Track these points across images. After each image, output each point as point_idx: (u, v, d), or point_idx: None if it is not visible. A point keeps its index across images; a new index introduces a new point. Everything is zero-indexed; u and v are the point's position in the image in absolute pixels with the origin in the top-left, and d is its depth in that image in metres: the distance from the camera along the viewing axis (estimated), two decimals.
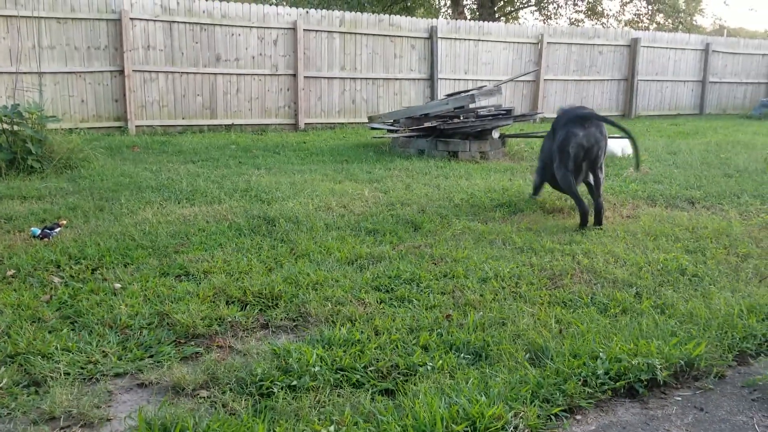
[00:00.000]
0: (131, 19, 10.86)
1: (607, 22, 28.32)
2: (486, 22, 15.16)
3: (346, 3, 22.38)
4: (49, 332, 2.75)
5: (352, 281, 3.48)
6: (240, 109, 12.15)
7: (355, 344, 2.64)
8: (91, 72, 10.67)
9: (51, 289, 3.30)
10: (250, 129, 12.17)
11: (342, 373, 2.42)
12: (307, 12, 12.81)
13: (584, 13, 27.74)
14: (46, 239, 4.16)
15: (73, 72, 10.53)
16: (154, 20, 11.12)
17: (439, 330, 2.81)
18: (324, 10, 13.11)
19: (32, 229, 4.35)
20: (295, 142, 10.36)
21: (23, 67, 10.10)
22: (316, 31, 12.67)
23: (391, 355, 2.56)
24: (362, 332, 2.76)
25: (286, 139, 10.93)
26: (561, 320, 2.96)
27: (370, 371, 2.43)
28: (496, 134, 8.80)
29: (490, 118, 8.69)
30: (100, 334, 2.76)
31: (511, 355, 2.57)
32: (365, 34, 13.21)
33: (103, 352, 2.59)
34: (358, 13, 13.49)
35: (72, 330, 2.80)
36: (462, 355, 2.58)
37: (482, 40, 14.57)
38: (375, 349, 2.60)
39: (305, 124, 12.73)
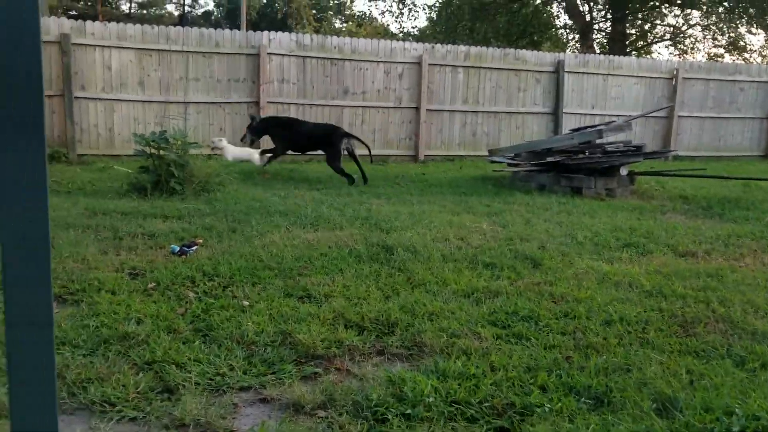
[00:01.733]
0: (268, 53, 11.53)
1: (750, 57, 26.75)
2: (616, 56, 14.78)
3: (471, 38, 22.60)
4: (183, 343, 2.94)
5: (468, 314, 3.47)
6: (363, 140, 12.49)
7: (470, 378, 2.63)
8: (230, 102, 11.39)
9: (186, 302, 3.53)
10: (372, 159, 12.46)
11: (456, 406, 2.42)
12: (433, 47, 13.04)
13: (724, 48, 26.37)
14: (183, 256, 4.47)
15: (214, 102, 11.29)
16: (289, 55, 11.74)
17: (558, 371, 2.74)
18: (450, 45, 13.31)
19: (172, 246, 4.68)
20: (414, 174, 10.50)
21: (171, 97, 10.96)
22: (441, 65, 12.87)
23: (507, 392, 2.52)
24: (478, 366, 2.74)
25: (405, 170, 11.11)
26: (692, 371, 2.80)
27: (485, 407, 2.41)
28: (624, 171, 8.50)
29: (618, 154, 8.42)
30: (228, 348, 2.91)
31: (635, 404, 2.46)
32: (489, 68, 13.26)
33: (230, 365, 2.74)
34: (484, 48, 13.58)
35: (203, 342, 2.98)
36: (582, 399, 2.50)
37: (612, 74, 14.19)
38: (490, 384, 2.58)
39: (425, 155, 12.89)
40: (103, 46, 10.61)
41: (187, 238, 5.04)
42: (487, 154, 11.26)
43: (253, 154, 10.62)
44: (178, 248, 4.59)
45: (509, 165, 9.75)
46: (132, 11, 40.33)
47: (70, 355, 2.77)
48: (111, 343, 2.91)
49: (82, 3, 36.74)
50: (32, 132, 0.81)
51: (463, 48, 13.31)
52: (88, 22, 10.89)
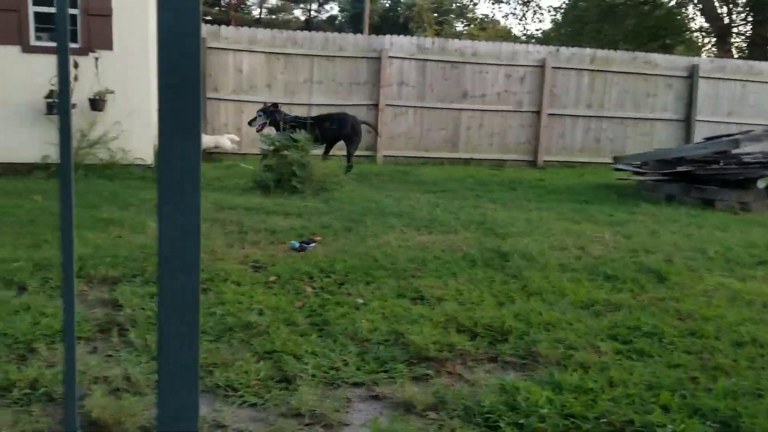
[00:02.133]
0: (389, 57, 11.70)
1: None
2: (757, 62, 13.81)
3: (597, 41, 21.86)
4: (301, 336, 3.05)
5: (587, 327, 3.36)
6: (480, 143, 12.41)
7: (587, 392, 2.55)
8: (350, 105, 11.65)
9: (304, 297, 3.66)
10: (488, 163, 12.35)
11: (571, 419, 2.35)
12: (557, 50, 12.74)
13: None
14: (302, 252, 4.63)
15: (336, 104, 11.59)
16: (410, 58, 11.86)
17: (681, 391, 2.60)
18: (575, 48, 12.94)
19: (291, 242, 4.86)
20: (532, 179, 10.30)
21: (295, 99, 11.37)
22: (565, 68, 12.53)
23: (626, 409, 2.43)
24: (596, 381, 2.66)
25: (523, 175, 10.91)
26: None
27: (602, 423, 2.33)
28: (761, 184, 7.92)
29: (756, 165, 7.86)
30: (343, 343, 2.99)
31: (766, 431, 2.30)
32: (616, 71, 12.76)
33: (344, 360, 2.81)
34: (611, 51, 13.11)
35: (319, 336, 3.07)
36: (708, 422, 2.36)
37: (751, 81, 13.26)
38: (608, 400, 2.49)
39: (544, 161, 12.60)
40: (236, 50, 11.18)
41: (306, 235, 5.21)
42: (610, 161, 10.85)
43: (220, 140, 10.71)
44: (297, 244, 4.76)
45: (635, 173, 9.34)
46: (262, 16, 42.19)
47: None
48: (235, 331, 3.07)
49: (216, 9, 38.86)
50: (191, 128, 0.88)
51: (588, 51, 12.90)
52: (223, 27, 11.52)
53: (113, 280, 3.79)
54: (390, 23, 36.21)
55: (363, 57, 11.66)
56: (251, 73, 11.31)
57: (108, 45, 8.45)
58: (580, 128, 12.82)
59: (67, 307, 0.96)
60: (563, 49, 12.84)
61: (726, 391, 2.60)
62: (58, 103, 0.83)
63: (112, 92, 8.39)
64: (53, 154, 8.36)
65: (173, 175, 0.87)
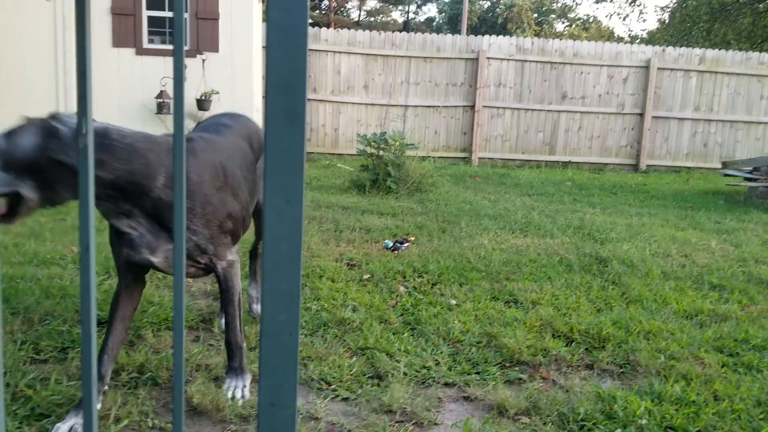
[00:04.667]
0: (487, 58, 11.59)
1: None
2: None
3: (708, 41, 20.78)
4: (393, 334, 3.08)
5: (690, 337, 3.21)
6: (579, 146, 12.08)
7: (689, 405, 2.44)
8: (447, 106, 11.65)
9: (397, 295, 3.69)
10: (587, 167, 12.02)
11: None
12: (664, 50, 12.21)
13: None
14: (396, 251, 4.67)
15: (432, 106, 11.62)
16: (508, 59, 11.71)
17: None
18: (682, 48, 12.36)
19: (386, 241, 4.91)
20: (634, 183, 9.93)
21: (392, 100, 11.49)
22: (671, 69, 12.01)
23: (731, 424, 2.30)
24: (699, 394, 2.54)
25: (624, 179, 10.54)
26: None
27: None
28: None
29: None
30: (435, 343, 2.99)
31: None
32: (727, 73, 12.10)
33: (436, 360, 2.81)
34: (722, 51, 12.42)
35: (411, 335, 3.09)
36: None
37: None
38: (712, 414, 2.37)
39: (647, 165, 12.12)
40: (335, 52, 11.41)
41: (399, 234, 5.25)
42: (719, 166, 10.30)
43: None
44: (391, 244, 4.81)
45: (746, 179, 8.83)
46: (360, 19, 42.84)
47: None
48: (329, 326, 3.14)
49: (317, 12, 39.80)
50: (297, 125, 0.92)
51: (697, 51, 12.29)
52: (323, 29, 11.78)
53: None
54: (488, 24, 35.87)
55: (460, 58, 11.62)
56: (349, 74, 11.51)
57: (214, 47, 8.85)
58: (687, 132, 12.24)
59: (177, 295, 1.02)
60: (670, 49, 12.29)
61: None
62: (174, 99, 0.89)
63: (217, 93, 8.76)
64: None
65: (279, 169, 0.91)
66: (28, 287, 3.37)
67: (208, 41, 8.81)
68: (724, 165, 9.80)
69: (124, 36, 8.65)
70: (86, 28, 0.91)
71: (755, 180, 8.55)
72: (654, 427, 2.26)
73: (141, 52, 8.74)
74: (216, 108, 8.74)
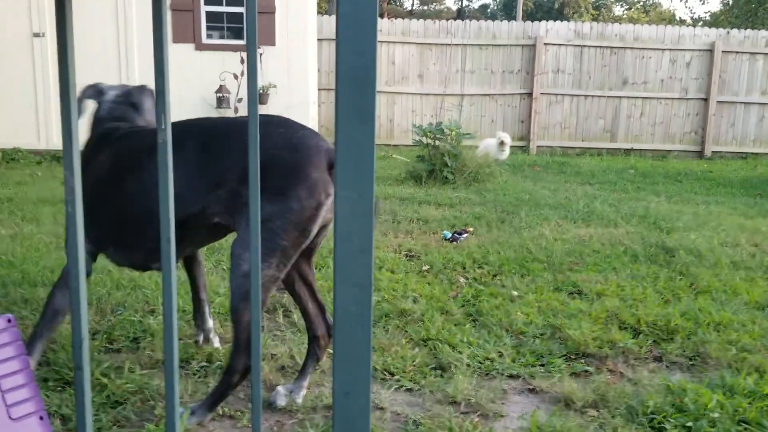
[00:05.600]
0: (545, 44, 11.38)
1: None
2: None
3: None
4: (455, 325, 3.07)
5: (762, 329, 3.10)
6: (641, 133, 11.76)
7: (763, 398, 2.35)
8: (503, 94, 11.50)
9: (457, 287, 3.68)
10: (650, 154, 11.69)
11: (745, 425, 2.18)
12: (728, 32, 11.75)
13: None
14: (454, 242, 4.64)
15: (488, 94, 11.49)
16: (566, 45, 11.47)
17: None
18: (748, 30, 11.88)
19: (444, 232, 4.89)
20: (699, 171, 9.61)
21: (447, 89, 11.41)
22: (737, 52, 11.54)
23: None
24: None
25: (689, 166, 10.21)
26: None
27: None
28: None
29: None
30: (497, 335, 2.97)
31: None
32: None
33: (499, 352, 2.79)
34: None
35: (473, 327, 3.08)
36: None
37: None
38: None
39: (712, 152, 11.71)
40: (389, 42, 11.39)
41: (458, 225, 5.22)
42: None
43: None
44: (450, 234, 4.79)
45: None
46: (414, 8, 42.66)
47: None
48: (391, 317, 3.15)
49: None
50: (367, 120, 0.92)
51: (764, 33, 11.78)
52: (378, 20, 11.78)
53: None
54: (544, 10, 35.20)
55: (517, 45, 11.44)
56: (403, 64, 11.48)
57: (271, 41, 8.96)
58: (754, 116, 11.76)
59: (254, 289, 1.03)
60: (734, 31, 11.82)
61: None
62: (248, 93, 0.90)
63: (274, 86, 8.88)
64: None
65: (350, 163, 0.92)
66: (100, 279, 3.49)
67: (264, 35, 8.92)
68: None
69: (183, 32, 8.84)
70: (163, 25, 0.93)
71: None
72: (726, 420, 2.19)
73: (200, 47, 8.92)
74: (274, 101, 8.85)
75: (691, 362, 2.78)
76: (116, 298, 3.24)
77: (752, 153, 11.74)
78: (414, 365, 2.64)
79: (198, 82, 8.82)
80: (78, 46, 8.35)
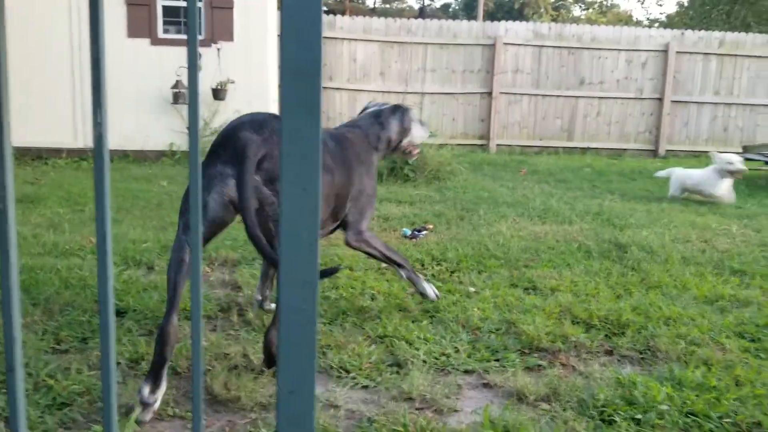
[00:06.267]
0: (504, 44, 11.50)
1: None
2: None
3: (728, 23, 20.44)
4: (412, 321, 3.08)
5: (711, 323, 3.18)
6: (598, 132, 11.97)
7: (710, 390, 2.42)
8: (464, 93, 11.58)
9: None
10: (606, 153, 11.91)
11: (692, 418, 2.24)
12: (683, 33, 12.04)
13: None
14: (414, 239, 4.66)
15: (449, 93, 11.56)
16: (525, 45, 11.60)
17: None
18: (702, 31, 12.19)
19: (403, 229, 4.90)
20: (653, 169, 9.82)
21: (409, 88, 11.44)
22: (691, 53, 11.83)
23: (753, 410, 2.28)
24: (720, 379, 2.51)
25: (643, 165, 10.43)
26: None
27: (726, 423, 2.21)
28: None
29: None
30: (454, 331, 2.99)
31: None
32: (748, 56, 11.90)
33: (455, 347, 2.81)
34: (742, 34, 12.23)
35: (430, 323, 3.09)
36: None
37: None
38: (734, 400, 2.35)
39: (666, 150, 11.98)
40: (351, 39, 11.37)
41: (418, 222, 5.24)
42: (740, 150, 10.16)
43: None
44: (409, 232, 4.80)
45: (767, 163, 8.70)
46: (376, 6, 42.65)
47: None
48: (348, 314, 3.14)
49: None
50: (313, 113, 0.91)
51: (717, 34, 12.10)
52: (338, 17, 11.75)
53: (233, 263, 3.99)
54: (505, 10, 35.53)
55: (477, 44, 11.53)
56: (365, 62, 11.47)
57: (229, 37, 8.86)
58: (707, 116, 12.07)
59: (195, 285, 1.02)
60: (689, 32, 12.11)
61: None
62: (188, 89, 0.89)
63: (232, 82, 8.78)
64: (178, 142, 8.87)
65: (295, 157, 0.91)
66: (48, 278, 3.41)
67: (222, 30, 8.82)
68: (745, 149, 9.66)
69: (139, 26, 8.68)
70: (100, 19, 0.91)
71: None
72: (675, 412, 2.25)
73: (156, 42, 8.77)
74: (232, 98, 8.76)
75: (641, 356, 2.84)
76: (65, 297, 3.16)
77: (704, 151, 12.03)
78: (370, 362, 2.63)
79: (154, 78, 8.67)
80: (30, 44, 8.13)
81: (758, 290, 3.71)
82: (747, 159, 9.34)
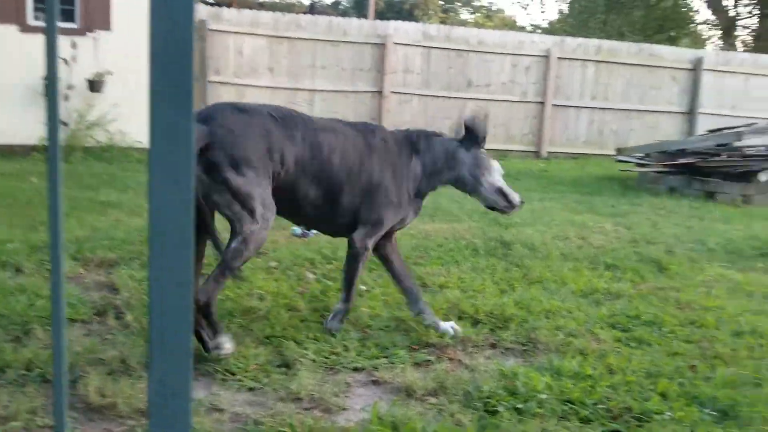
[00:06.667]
0: (395, 43, 11.62)
1: None
2: (762, 55, 13.71)
3: (604, 32, 21.73)
4: (302, 321, 3.05)
5: (587, 315, 3.36)
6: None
7: (585, 378, 2.55)
8: (355, 92, 11.60)
9: (305, 283, 3.65)
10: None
11: (570, 405, 2.35)
12: (563, 40, 12.66)
13: None
14: (304, 238, 4.61)
15: (340, 90, 11.54)
16: (415, 45, 11.78)
17: (680, 379, 2.60)
18: (581, 39, 12.87)
19: (293, 228, 4.83)
20: (536, 170, 10.27)
21: (299, 84, 11.33)
22: (570, 59, 12.44)
23: (624, 396, 2.42)
24: (594, 368, 2.65)
25: (527, 166, 10.88)
26: None
27: (600, 409, 2.33)
28: (763, 177, 7.89)
29: (759, 158, 7.82)
30: (344, 329, 2.98)
31: (765, 420, 2.29)
32: (622, 63, 12.67)
33: (345, 346, 2.80)
34: (617, 42, 13.03)
35: (320, 322, 3.07)
36: (706, 410, 2.36)
37: (756, 74, 13.15)
38: (607, 387, 2.48)
39: (548, 152, 12.55)
40: (237, 33, 11.09)
41: None
42: (614, 153, 10.82)
43: None
44: (299, 231, 4.74)
45: (638, 165, 9.31)
46: (265, 0, 41.96)
47: None
48: (234, 316, 3.06)
49: None
50: (184, 97, 0.86)
51: (594, 42, 12.82)
52: (224, 9, 11.45)
53: (111, 263, 3.78)
54: (395, 9, 35.99)
55: (367, 43, 11.58)
56: (253, 56, 11.24)
57: (106, 26, 8.42)
58: (585, 120, 12.75)
59: (55, 287, 0.94)
60: (569, 39, 12.76)
61: (725, 380, 2.59)
62: (47, 81, 0.81)
63: (110, 73, 8.36)
64: None
65: (165, 146, 0.86)
66: None
67: (99, 19, 8.36)
68: (618, 152, 10.30)
69: (6, 11, 8.07)
70: None
71: (646, 166, 9.03)
72: (553, 401, 2.35)
73: (26, 29, 8.19)
74: (110, 90, 8.32)
75: (523, 348, 2.95)
76: None
77: (582, 154, 12.70)
78: (257, 364, 2.58)
79: (24, 67, 8.07)
80: None
81: (629, 283, 3.96)
82: (620, 161, 9.99)
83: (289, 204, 2.80)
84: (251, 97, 11.20)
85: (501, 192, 3.04)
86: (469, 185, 3.08)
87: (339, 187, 2.84)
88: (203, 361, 2.56)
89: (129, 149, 8.40)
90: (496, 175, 3.09)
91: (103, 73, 8.30)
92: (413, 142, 3.10)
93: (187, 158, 0.90)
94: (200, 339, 2.53)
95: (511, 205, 3.06)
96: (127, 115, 8.35)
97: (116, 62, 8.37)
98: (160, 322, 0.94)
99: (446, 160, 3.08)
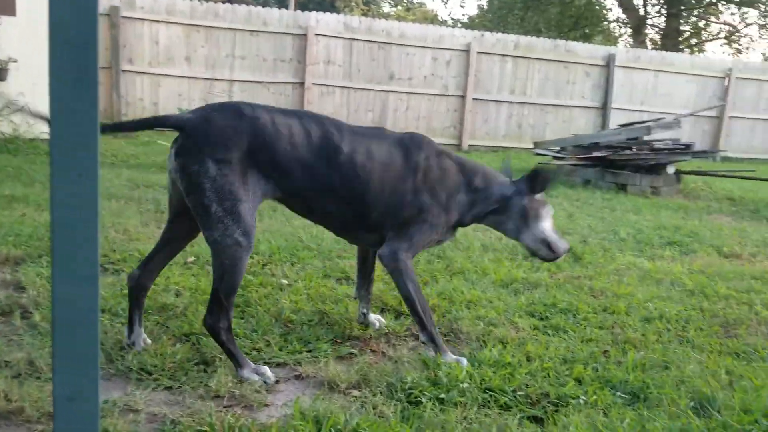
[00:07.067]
0: (316, 35, 11.53)
1: None
2: (669, 53, 14.41)
3: (522, 28, 22.28)
4: None
5: (506, 304, 3.43)
6: (407, 126, 12.42)
7: (505, 366, 2.60)
8: (275, 83, 11.44)
9: None
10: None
11: (490, 393, 2.39)
12: (482, 35, 12.89)
13: None
14: None
15: (260, 81, 11.36)
16: (337, 37, 11.72)
17: (594, 364, 2.70)
18: (499, 34, 13.13)
19: None
20: None
21: (217, 74, 11.06)
22: (489, 54, 12.70)
23: (542, 382, 2.49)
24: (513, 356, 2.71)
25: None
26: (732, 371, 2.72)
27: (519, 396, 2.38)
28: (671, 169, 8.31)
29: (666, 152, 8.22)
30: (266, 324, 2.93)
31: (673, 401, 2.40)
32: (539, 59, 13.04)
33: (267, 341, 2.75)
34: (534, 38, 13.37)
35: (241, 318, 3.00)
36: (618, 393, 2.46)
37: (663, 71, 13.83)
38: (525, 374, 2.54)
39: (469, 145, 12.78)
40: (152, 21, 10.74)
41: None
42: (532, 146, 11.12)
43: None
44: None
45: (554, 158, 9.61)
46: None
47: (109, 323, 2.82)
48: (150, 313, 2.95)
49: None
50: (88, 84, 0.81)
51: (512, 37, 13.12)
52: None
53: (17, 260, 3.58)
54: (316, 1, 35.68)
55: (288, 33, 11.44)
56: (169, 45, 10.90)
57: (11, 11, 7.95)
58: (504, 114, 13.04)
59: None
60: (488, 34, 13.00)
61: (635, 364, 2.71)
62: None
63: (15, 61, 7.91)
64: None
65: (68, 136, 0.81)
66: None
67: (3, 3, 7.88)
68: (536, 145, 10.59)
69: None
70: None
71: (562, 159, 9.32)
72: (474, 389, 2.38)
73: None
74: (14, 79, 7.87)
75: (446, 338, 2.99)
76: None
77: (502, 147, 13.00)
78: (175, 362, 2.49)
79: None
80: None
81: (546, 273, 4.07)
82: (537, 154, 10.28)
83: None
84: (168, 87, 10.87)
85: (545, 242, 2.88)
86: (511, 232, 2.94)
87: (359, 195, 2.73)
88: (117, 359, 2.46)
89: (36, 140, 7.97)
90: (544, 223, 2.91)
91: (7, 60, 7.83)
92: (469, 180, 2.86)
93: (92, 150, 0.85)
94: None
95: (554, 254, 2.91)
96: (33, 105, 7.88)
97: (21, 49, 7.92)
98: (64, 319, 0.89)
99: (499, 208, 2.88)
